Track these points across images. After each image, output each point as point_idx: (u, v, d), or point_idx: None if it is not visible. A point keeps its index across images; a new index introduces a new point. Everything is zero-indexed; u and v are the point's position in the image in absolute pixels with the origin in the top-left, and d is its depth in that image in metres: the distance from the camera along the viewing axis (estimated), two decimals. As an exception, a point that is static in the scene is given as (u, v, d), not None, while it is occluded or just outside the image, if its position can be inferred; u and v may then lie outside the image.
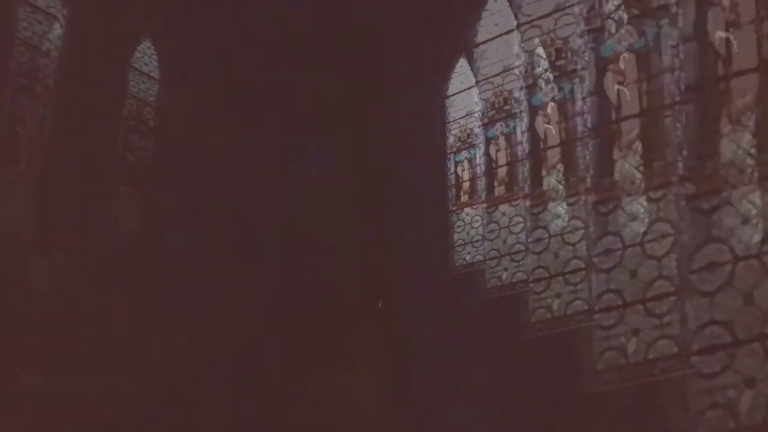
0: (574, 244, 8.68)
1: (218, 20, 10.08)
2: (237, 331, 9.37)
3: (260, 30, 10.13)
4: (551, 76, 9.20)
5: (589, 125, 8.60)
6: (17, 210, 8.80)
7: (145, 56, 10.21)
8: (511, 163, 9.73)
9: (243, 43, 10.10)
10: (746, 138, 7.08)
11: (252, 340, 9.39)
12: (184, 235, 9.56)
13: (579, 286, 8.51)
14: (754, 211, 6.98)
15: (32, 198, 8.91)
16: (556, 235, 8.90)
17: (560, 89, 9.09)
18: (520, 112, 9.59)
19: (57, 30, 9.36)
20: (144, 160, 9.97)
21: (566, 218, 8.83)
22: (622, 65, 8.28)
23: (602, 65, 8.49)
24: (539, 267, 9.00)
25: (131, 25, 9.92)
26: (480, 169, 10.06)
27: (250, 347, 9.36)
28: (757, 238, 6.91)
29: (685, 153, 7.54)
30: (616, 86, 8.33)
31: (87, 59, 9.20)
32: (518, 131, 9.65)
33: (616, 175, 8.22)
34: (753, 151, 7.01)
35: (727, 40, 7.28)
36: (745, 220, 7.01)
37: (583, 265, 8.49)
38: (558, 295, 8.72)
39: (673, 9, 7.76)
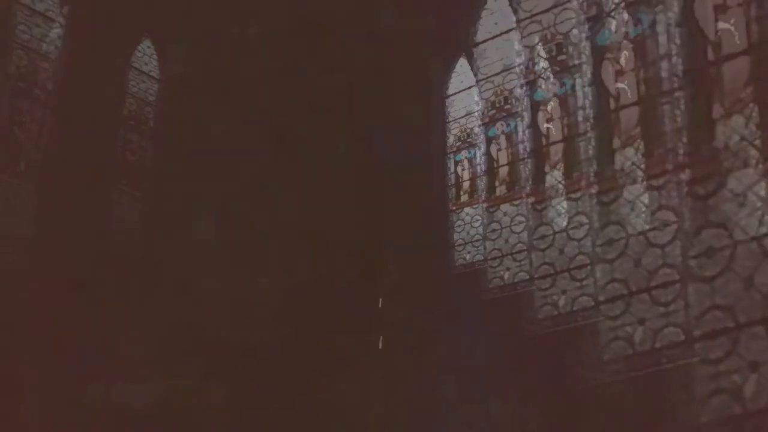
0: (578, 240, 8.64)
1: (218, 19, 10.13)
2: (236, 333, 9.33)
3: (260, 29, 10.18)
4: (552, 73, 9.20)
5: (590, 117, 8.59)
6: (17, 210, 8.79)
7: (145, 56, 10.29)
8: (513, 162, 9.71)
9: (243, 42, 10.15)
10: (741, 122, 7.06)
11: (251, 342, 9.34)
12: (183, 235, 9.54)
13: (585, 282, 8.47)
14: (751, 196, 6.95)
15: (32, 198, 8.90)
16: (560, 232, 8.87)
17: (561, 84, 9.09)
18: (521, 110, 9.58)
19: (56, 31, 9.41)
20: (144, 160, 9.99)
21: (570, 214, 8.80)
22: (619, 54, 8.29)
23: (599, 55, 8.49)
24: (544, 264, 8.95)
25: (131, 25, 9.96)
26: (480, 168, 10.05)
27: (248, 348, 9.31)
28: (755, 221, 6.87)
29: (684, 139, 7.52)
30: (614, 76, 8.33)
31: (87, 59, 9.24)
32: (519, 130, 9.64)
33: (617, 165, 8.18)
34: (750, 135, 6.99)
35: (716, 25, 7.29)
36: (743, 205, 6.97)
37: (588, 261, 8.44)
38: (564, 292, 8.68)
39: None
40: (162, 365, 8.82)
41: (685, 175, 7.44)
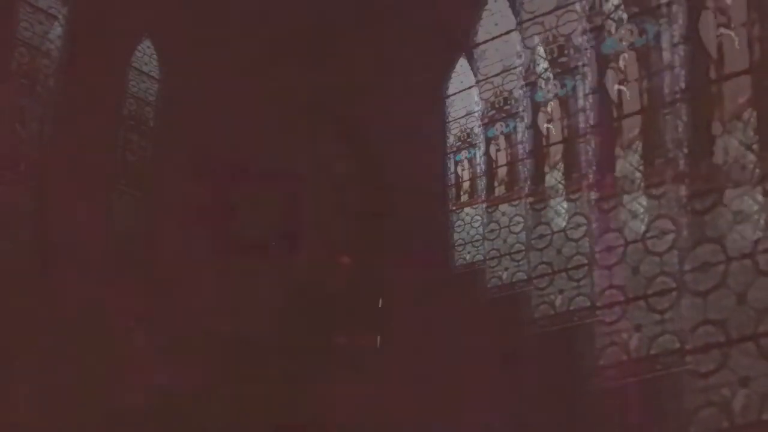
0: (576, 240, 8.69)
1: (218, 19, 10.10)
2: (235, 333, 9.36)
3: (259, 29, 10.15)
4: (553, 74, 9.21)
5: (590, 122, 8.60)
6: (17, 210, 8.80)
7: (145, 56, 10.28)
8: (512, 163, 9.74)
9: (242, 42, 10.11)
10: (739, 140, 7.09)
11: (250, 341, 9.37)
12: (183, 235, 9.56)
13: (582, 282, 8.54)
14: (747, 212, 7.00)
15: (32, 198, 8.91)
16: (558, 232, 8.92)
17: (563, 86, 9.10)
18: (521, 111, 9.59)
19: (57, 30, 9.38)
20: (144, 160, 10.00)
21: (568, 215, 8.84)
22: (622, 64, 8.29)
23: (603, 63, 8.49)
24: (542, 263, 9.01)
25: (131, 25, 9.94)
26: (480, 168, 10.07)
27: (247, 349, 9.35)
28: (750, 238, 6.92)
29: (685, 150, 7.55)
30: (617, 85, 8.33)
31: (87, 59, 9.21)
32: (518, 131, 9.66)
33: (618, 173, 8.21)
34: (748, 152, 7.03)
35: (719, 42, 7.31)
36: (739, 221, 7.02)
37: (586, 261, 8.50)
38: (561, 291, 8.75)
39: (672, 8, 7.79)
40: (163, 364, 8.85)
41: (683, 190, 7.48)
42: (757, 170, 6.89)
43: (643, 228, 7.91)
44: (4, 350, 7.98)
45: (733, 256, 6.97)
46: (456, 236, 10.11)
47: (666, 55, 7.77)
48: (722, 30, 7.26)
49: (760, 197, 6.88)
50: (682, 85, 7.56)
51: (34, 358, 8.25)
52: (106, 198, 9.58)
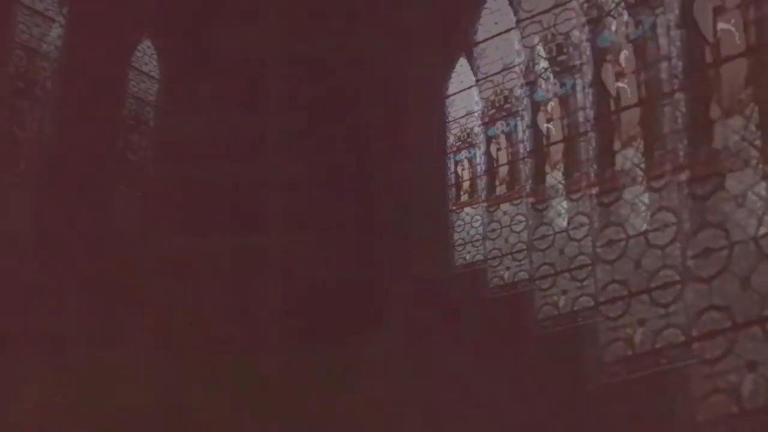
0: (579, 240, 8.66)
1: (217, 19, 10.12)
2: (235, 333, 9.33)
3: (259, 29, 10.18)
4: (552, 73, 9.21)
5: (590, 118, 8.59)
6: (16, 210, 8.80)
7: (145, 56, 10.31)
8: (513, 162, 9.73)
9: (242, 42, 10.13)
10: (740, 123, 7.06)
11: (250, 342, 9.34)
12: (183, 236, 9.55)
13: (585, 282, 8.50)
14: (750, 196, 6.96)
15: (32, 198, 8.91)
16: (561, 232, 8.89)
17: (562, 85, 9.09)
18: (521, 110, 9.60)
19: (55, 31, 9.42)
20: (144, 160, 10.01)
21: (570, 214, 8.81)
22: (620, 56, 8.28)
23: (600, 56, 8.48)
24: (545, 264, 8.98)
25: (131, 25, 9.96)
26: (480, 168, 10.07)
27: (248, 349, 9.31)
28: (753, 222, 6.87)
29: (685, 141, 7.52)
30: (615, 78, 8.32)
31: (87, 59, 9.24)
32: (519, 129, 9.65)
33: (618, 166, 8.18)
34: (749, 136, 6.99)
35: (714, 26, 7.29)
36: (741, 205, 6.98)
37: (588, 261, 8.46)
38: (564, 292, 8.72)
39: (666, -3, 7.81)
40: (163, 366, 8.81)
41: (684, 176, 7.44)
42: (759, 154, 6.85)
43: (644, 221, 7.87)
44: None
45: (736, 241, 6.92)
46: (456, 236, 10.06)
47: (663, 45, 7.75)
48: (721, 25, 7.24)
49: (762, 181, 6.83)
50: (680, 75, 7.53)
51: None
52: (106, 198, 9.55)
